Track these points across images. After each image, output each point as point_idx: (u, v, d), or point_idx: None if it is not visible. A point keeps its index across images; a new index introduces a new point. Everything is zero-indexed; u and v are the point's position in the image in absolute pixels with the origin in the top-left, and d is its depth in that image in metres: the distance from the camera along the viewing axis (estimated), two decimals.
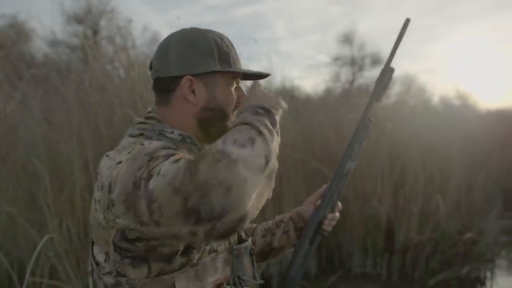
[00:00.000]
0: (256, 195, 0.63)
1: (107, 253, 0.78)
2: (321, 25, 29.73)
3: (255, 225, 1.16)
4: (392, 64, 1.06)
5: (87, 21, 12.17)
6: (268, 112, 0.77)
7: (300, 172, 4.04)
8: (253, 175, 0.62)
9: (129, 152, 0.74)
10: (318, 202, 1.09)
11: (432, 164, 4.27)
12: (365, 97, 6.28)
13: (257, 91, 0.84)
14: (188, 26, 0.92)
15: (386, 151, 4.17)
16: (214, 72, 0.86)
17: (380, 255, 4.07)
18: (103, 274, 0.79)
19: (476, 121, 6.20)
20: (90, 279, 0.84)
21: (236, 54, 0.91)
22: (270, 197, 0.70)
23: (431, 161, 4.28)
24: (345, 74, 18.82)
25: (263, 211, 2.88)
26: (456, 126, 4.91)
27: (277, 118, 0.78)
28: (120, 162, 0.73)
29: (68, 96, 2.62)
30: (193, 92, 0.86)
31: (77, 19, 12.23)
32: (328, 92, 6.45)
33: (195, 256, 0.79)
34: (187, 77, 0.84)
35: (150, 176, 0.65)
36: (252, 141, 0.67)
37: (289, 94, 4.90)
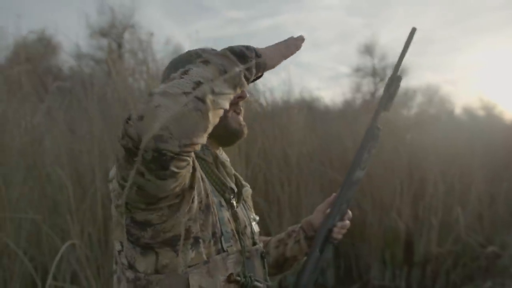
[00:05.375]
0: (178, 115, 0.66)
1: (122, 244, 0.85)
2: (342, 36, 29.71)
3: (269, 238, 1.20)
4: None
5: (112, 35, 12.52)
6: (248, 50, 0.77)
7: (318, 182, 4.04)
8: (169, 100, 0.66)
9: None
10: (328, 211, 1.10)
11: (452, 174, 4.21)
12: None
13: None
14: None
15: (405, 161, 4.13)
16: None
17: (399, 267, 4.01)
18: (126, 269, 0.85)
19: (500, 131, 6.07)
20: (115, 277, 0.91)
21: None
22: (206, 119, 0.70)
23: (451, 171, 4.22)
24: (367, 85, 18.71)
25: (280, 221, 2.87)
26: (478, 137, 4.83)
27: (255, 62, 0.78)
28: None
29: (91, 108, 2.73)
30: None
31: (102, 32, 12.60)
32: (346, 103, 6.46)
33: (203, 250, 0.85)
34: None
35: None
36: (183, 73, 0.71)
37: (307, 105, 4.93)
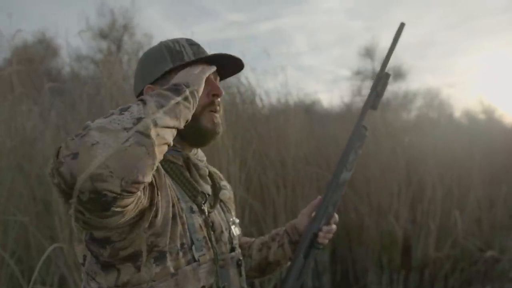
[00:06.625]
0: (119, 152, 0.61)
1: (84, 257, 0.81)
2: (342, 39, 29.76)
3: (253, 239, 1.16)
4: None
5: (111, 37, 12.51)
6: (176, 85, 0.78)
7: (314, 186, 4.00)
8: (108, 136, 0.62)
9: None
10: (313, 214, 1.05)
11: (451, 178, 4.16)
12: (387, 110, 6.23)
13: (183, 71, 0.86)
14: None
15: (403, 164, 4.09)
16: (169, 72, 0.89)
17: (397, 271, 3.96)
18: (90, 280, 0.82)
19: (500, 135, 6.03)
20: (82, 286, 0.87)
21: (197, 51, 0.92)
22: (152, 155, 0.66)
23: (450, 174, 4.18)
24: (367, 88, 18.69)
25: (276, 224, 2.82)
26: (478, 140, 4.79)
27: (189, 89, 0.78)
28: None
29: (82, 108, 2.70)
30: None
31: (102, 34, 12.59)
32: (345, 106, 6.43)
33: (170, 263, 0.80)
34: (147, 86, 0.90)
35: None
36: (122, 110, 0.68)
37: (305, 107, 4.90)
